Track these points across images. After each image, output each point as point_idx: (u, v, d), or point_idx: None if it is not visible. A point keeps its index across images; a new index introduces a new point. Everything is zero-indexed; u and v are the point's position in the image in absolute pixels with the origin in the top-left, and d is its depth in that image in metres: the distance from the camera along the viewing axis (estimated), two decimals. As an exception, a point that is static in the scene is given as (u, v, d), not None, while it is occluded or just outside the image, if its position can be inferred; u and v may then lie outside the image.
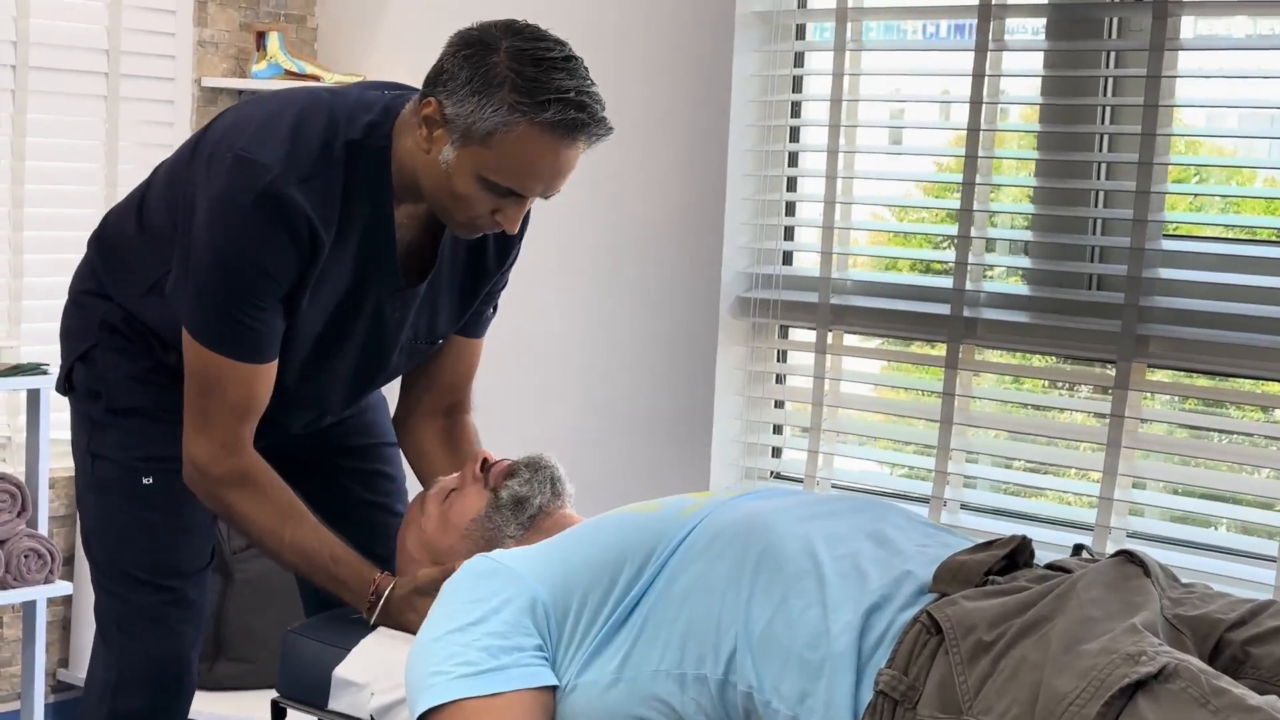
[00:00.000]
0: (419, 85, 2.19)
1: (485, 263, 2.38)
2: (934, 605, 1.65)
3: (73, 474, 3.83)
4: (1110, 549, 2.94)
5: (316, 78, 3.99)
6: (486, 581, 1.89)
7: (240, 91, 4.09)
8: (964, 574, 1.71)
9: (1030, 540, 1.79)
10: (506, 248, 2.38)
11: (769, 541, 1.81)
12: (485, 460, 2.28)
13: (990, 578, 1.71)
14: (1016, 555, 1.77)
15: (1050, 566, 1.75)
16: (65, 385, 2.42)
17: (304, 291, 2.17)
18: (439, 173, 2.12)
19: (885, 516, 1.94)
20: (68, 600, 3.88)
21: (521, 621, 1.84)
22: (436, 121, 2.09)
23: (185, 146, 2.31)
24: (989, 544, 1.79)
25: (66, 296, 2.46)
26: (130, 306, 2.33)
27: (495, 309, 2.52)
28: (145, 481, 2.33)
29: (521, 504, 2.20)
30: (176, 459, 2.26)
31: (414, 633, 1.95)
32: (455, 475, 2.31)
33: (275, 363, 2.20)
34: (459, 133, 2.07)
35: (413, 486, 2.55)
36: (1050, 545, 2.73)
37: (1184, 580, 1.77)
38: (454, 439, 2.51)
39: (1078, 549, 1.85)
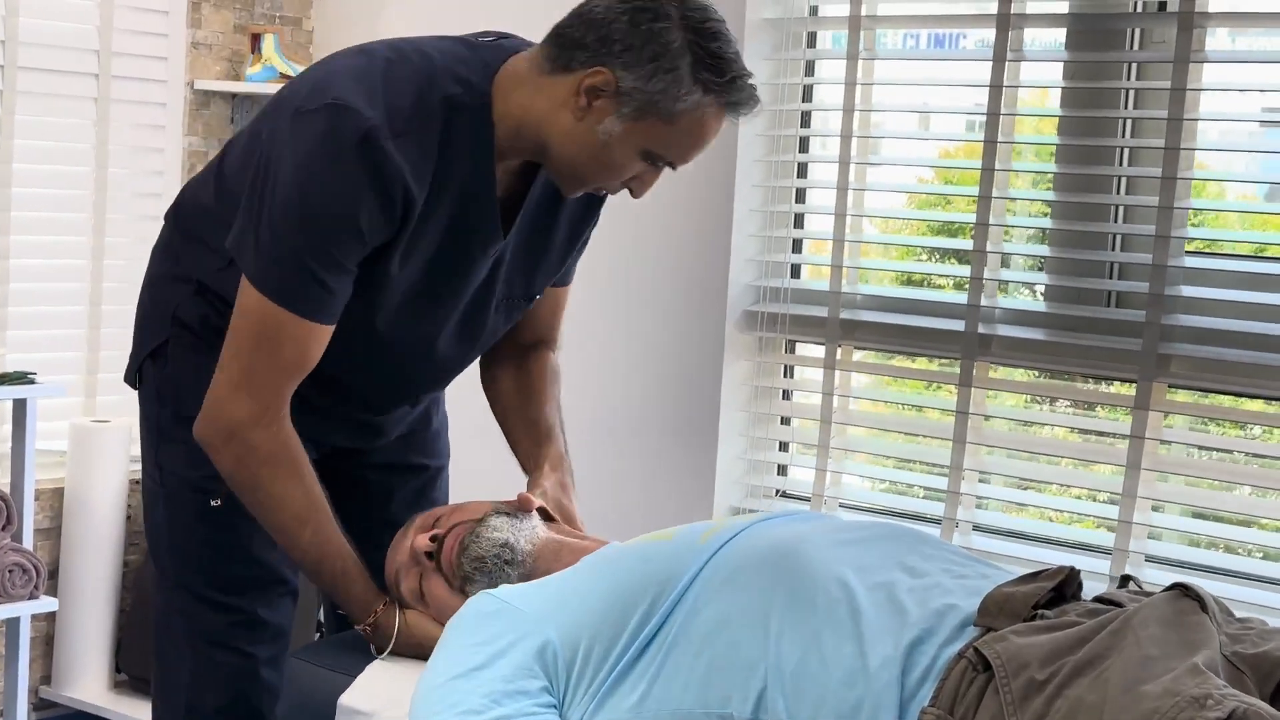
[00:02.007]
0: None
1: (578, 210, 2.29)
2: (981, 641, 1.57)
3: (57, 487, 3.80)
4: (1130, 572, 2.87)
5: (313, 82, 3.91)
6: (492, 623, 1.81)
7: (234, 95, 4.00)
8: (1011, 607, 1.63)
9: (1079, 572, 1.72)
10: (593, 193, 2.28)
11: (797, 571, 1.72)
12: (426, 549, 2.14)
13: (1039, 611, 1.63)
14: (1064, 587, 1.69)
15: (1099, 599, 1.67)
16: (135, 378, 2.29)
17: (393, 253, 2.06)
18: (592, 142, 2.02)
19: (916, 545, 1.85)
20: (51, 616, 3.78)
21: (529, 665, 1.76)
22: (604, 92, 1.99)
23: (262, 111, 2.18)
24: (1035, 575, 1.71)
25: (143, 280, 2.33)
26: (211, 282, 2.19)
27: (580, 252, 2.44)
28: (214, 504, 2.20)
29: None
30: None
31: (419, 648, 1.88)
32: (423, 531, 2.18)
33: (331, 329, 2.07)
34: (636, 106, 1.99)
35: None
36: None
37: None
38: (525, 384, 2.41)
39: (1124, 580, 1.78)
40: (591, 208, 2.32)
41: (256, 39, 3.95)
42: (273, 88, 3.92)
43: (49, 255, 3.80)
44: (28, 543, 3.43)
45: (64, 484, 3.81)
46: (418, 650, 2.09)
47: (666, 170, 2.12)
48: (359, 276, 2.06)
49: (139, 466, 3.85)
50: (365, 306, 2.11)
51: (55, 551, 3.80)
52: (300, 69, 3.92)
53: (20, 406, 3.40)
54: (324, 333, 2.05)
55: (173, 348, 2.22)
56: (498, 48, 2.13)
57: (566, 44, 2.03)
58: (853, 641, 1.64)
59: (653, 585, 1.79)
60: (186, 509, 2.23)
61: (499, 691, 1.72)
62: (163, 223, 2.33)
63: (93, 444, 3.78)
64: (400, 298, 2.13)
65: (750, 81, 2.03)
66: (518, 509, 2.16)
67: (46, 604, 3.44)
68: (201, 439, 2.10)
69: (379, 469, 2.44)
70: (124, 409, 3.94)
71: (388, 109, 1.99)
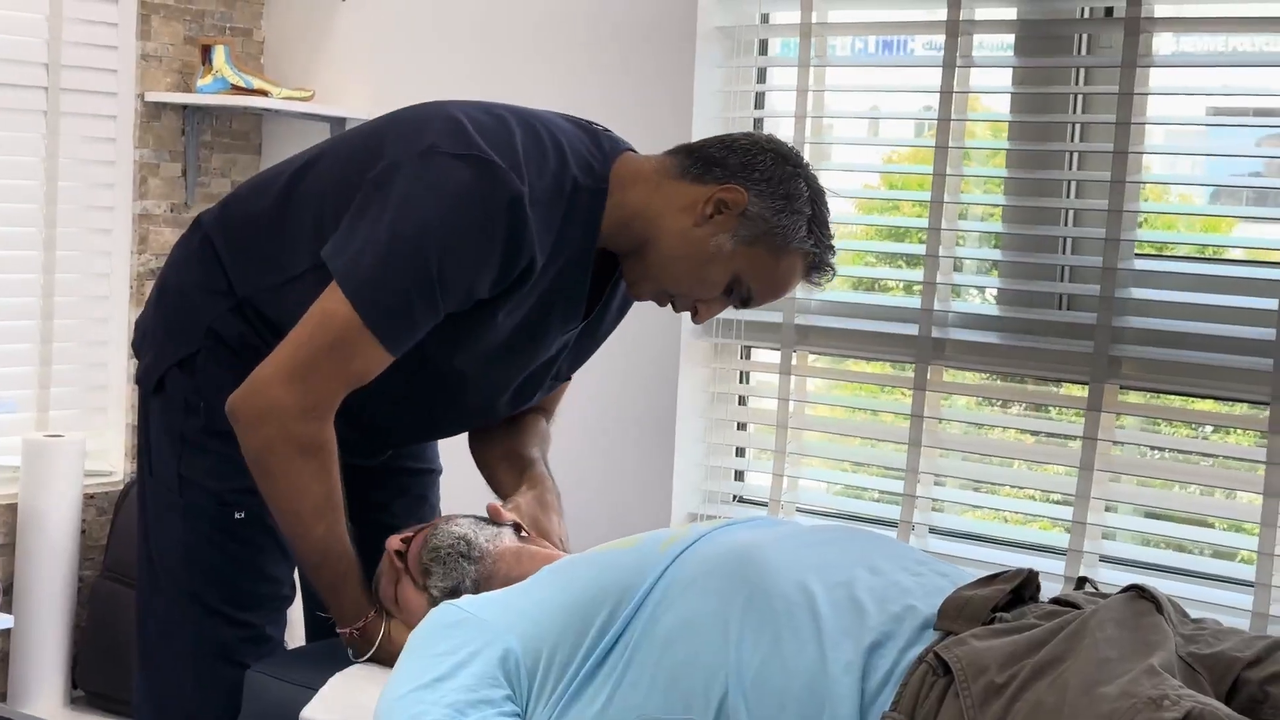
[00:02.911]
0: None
1: (621, 305, 2.38)
2: (942, 645, 1.58)
3: (10, 503, 3.77)
4: (1084, 573, 2.90)
5: (264, 92, 3.90)
6: (454, 633, 1.81)
7: (185, 106, 3.99)
8: (970, 610, 1.64)
9: (1037, 574, 1.73)
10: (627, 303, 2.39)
11: (758, 575, 1.73)
12: (399, 552, 2.17)
13: (997, 614, 1.65)
14: (1022, 589, 1.71)
15: (1057, 601, 1.69)
16: (155, 386, 2.26)
17: (503, 304, 2.11)
18: (700, 250, 2.12)
19: (874, 546, 1.87)
20: (6, 633, 3.75)
21: (492, 674, 1.76)
22: (731, 208, 2.11)
23: (361, 136, 2.19)
24: (993, 577, 1.72)
25: (160, 285, 2.30)
26: (258, 299, 2.19)
27: None
28: (238, 516, 2.21)
29: (455, 593, 2.10)
30: None
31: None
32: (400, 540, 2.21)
33: (396, 358, 2.09)
34: (753, 233, 2.11)
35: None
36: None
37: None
38: (509, 431, 2.43)
39: (1081, 581, 1.79)
40: (629, 303, 2.38)
41: (207, 50, 3.93)
42: (224, 99, 3.91)
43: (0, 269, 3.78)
44: (-18, 559, 3.41)
45: (17, 499, 3.78)
46: (395, 659, 2.09)
47: None
48: (463, 315, 2.10)
49: (93, 481, 3.89)
50: (455, 343, 2.14)
51: (9, 568, 3.77)
52: (252, 80, 3.91)
53: (-27, 422, 3.38)
54: (388, 361, 2.07)
55: (203, 360, 2.21)
56: (614, 139, 2.23)
57: (705, 159, 2.15)
58: (813, 645, 1.64)
59: (613, 593, 1.80)
60: (207, 521, 2.22)
61: (462, 701, 1.72)
62: (191, 229, 2.30)
63: (46, 459, 3.75)
64: (479, 355, 2.17)
65: (834, 255, 2.21)
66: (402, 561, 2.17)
67: (1, 620, 3.42)
68: (235, 413, 2.08)
69: (383, 473, 2.44)
70: (77, 423, 3.93)
71: (532, 180, 2.06)
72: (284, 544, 2.23)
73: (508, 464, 2.42)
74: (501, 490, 2.39)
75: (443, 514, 2.29)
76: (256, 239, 2.21)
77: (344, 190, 2.11)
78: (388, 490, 2.45)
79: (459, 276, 2.03)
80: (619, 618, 1.77)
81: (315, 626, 2.43)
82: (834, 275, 2.23)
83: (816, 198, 2.16)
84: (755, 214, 2.11)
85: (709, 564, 1.78)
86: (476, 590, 2.07)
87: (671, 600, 1.75)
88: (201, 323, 2.22)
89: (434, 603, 2.07)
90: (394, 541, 2.18)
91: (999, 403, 3.23)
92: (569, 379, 2.43)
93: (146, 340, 2.31)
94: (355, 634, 2.14)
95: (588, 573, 1.87)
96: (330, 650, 2.22)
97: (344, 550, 2.12)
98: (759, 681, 1.64)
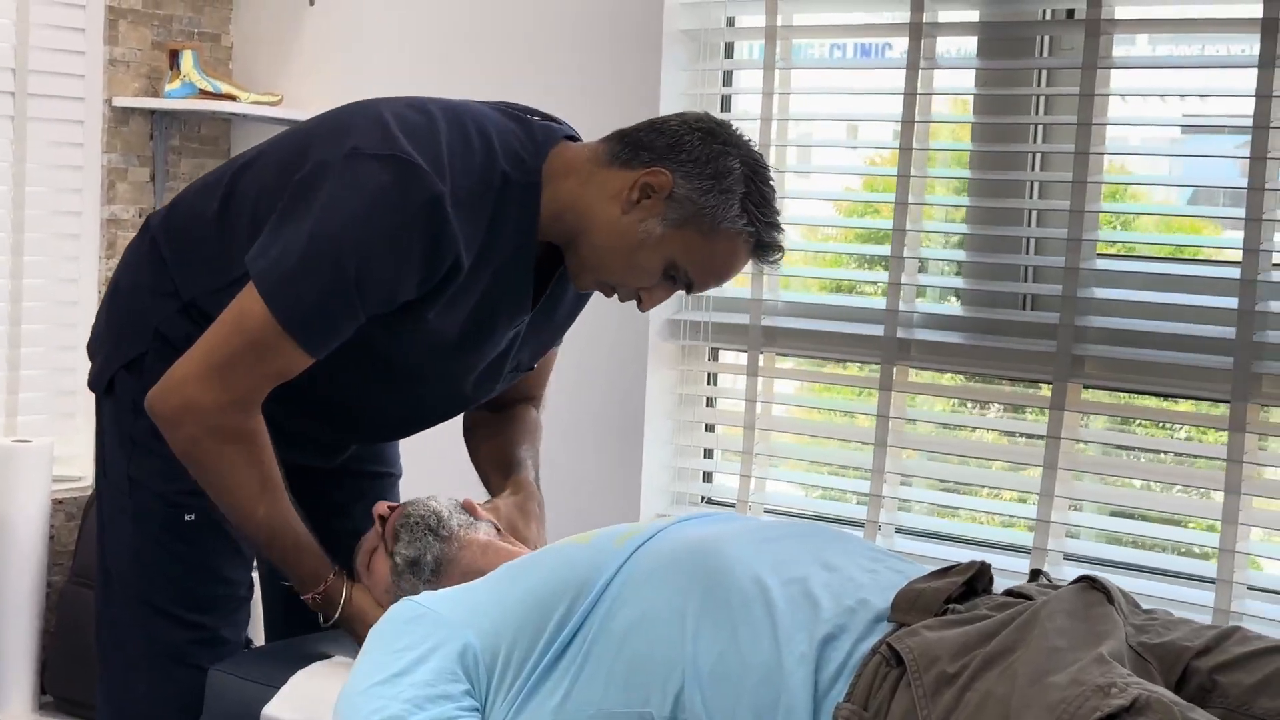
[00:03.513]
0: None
1: (580, 296, 2.35)
2: (894, 636, 1.60)
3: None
4: (1048, 571, 2.91)
5: (233, 96, 3.90)
6: (412, 628, 1.82)
7: (153, 111, 3.99)
8: (923, 602, 1.66)
9: (989, 566, 1.75)
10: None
11: (713, 570, 1.74)
12: (381, 516, 2.20)
13: (950, 606, 1.66)
14: (975, 582, 1.72)
15: (1009, 593, 1.71)
16: (106, 387, 2.26)
17: (432, 305, 2.08)
18: (629, 238, 2.08)
19: (831, 542, 1.88)
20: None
21: (451, 669, 1.78)
22: (657, 192, 2.06)
23: (295, 136, 2.18)
24: (946, 570, 1.74)
25: (111, 287, 2.30)
26: (203, 302, 2.17)
27: None
28: (187, 518, 2.20)
29: (415, 565, 2.12)
30: None
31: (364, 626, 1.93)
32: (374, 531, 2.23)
33: (317, 359, 2.07)
34: (682, 215, 2.06)
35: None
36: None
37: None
38: (501, 429, 2.43)
39: (1035, 574, 1.81)
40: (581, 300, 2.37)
41: (175, 55, 3.93)
42: (192, 104, 3.91)
43: (-33, 275, 3.78)
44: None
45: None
46: (358, 625, 2.11)
47: None
48: (394, 315, 2.07)
49: (62, 486, 3.88)
50: (394, 345, 2.12)
51: (-24, 574, 3.77)
52: (220, 85, 3.91)
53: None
54: (308, 361, 2.05)
55: (151, 360, 2.19)
56: (548, 128, 2.18)
57: (633, 143, 2.10)
58: (768, 638, 1.66)
59: (570, 588, 1.81)
60: (156, 523, 2.21)
61: (421, 696, 1.73)
62: (141, 232, 2.30)
63: (13, 464, 3.74)
64: (428, 350, 2.15)
65: (783, 234, 2.13)
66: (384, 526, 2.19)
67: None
68: (154, 410, 2.08)
69: (341, 475, 2.43)
70: (45, 429, 3.92)
71: (454, 178, 2.02)
72: (238, 544, 2.23)
73: (496, 466, 2.42)
74: (493, 494, 2.40)
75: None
76: (199, 242, 2.20)
77: (275, 192, 2.10)
78: (346, 493, 2.44)
79: (378, 279, 2.01)
80: (576, 612, 1.78)
81: (274, 625, 2.44)
82: (782, 255, 2.15)
83: (754, 175, 2.08)
84: (682, 195, 2.05)
85: (665, 559, 1.79)
86: (436, 568, 2.10)
87: (628, 595, 1.77)
88: (149, 324, 2.21)
89: (395, 570, 2.12)
90: (381, 506, 2.20)
91: (965, 403, 3.25)
92: (531, 369, 2.41)
93: (97, 342, 2.31)
94: (318, 599, 2.13)
95: (545, 568, 1.88)
96: (292, 649, 2.23)
97: (289, 524, 2.12)
98: (715, 674, 1.66)
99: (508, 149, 2.11)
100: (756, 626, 1.67)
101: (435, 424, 2.38)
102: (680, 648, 1.68)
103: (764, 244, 2.11)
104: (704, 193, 2.05)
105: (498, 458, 2.43)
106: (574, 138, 2.21)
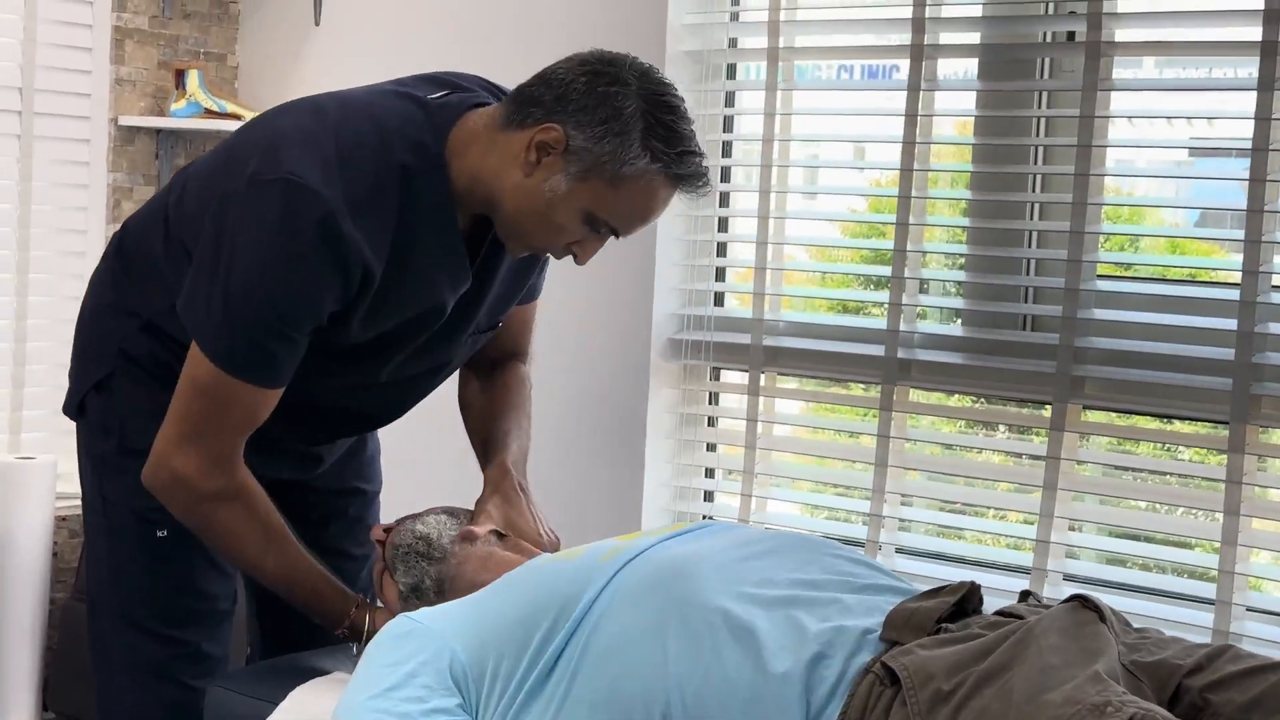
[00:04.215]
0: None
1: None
2: (888, 655, 1.61)
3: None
4: (1047, 592, 2.92)
5: (238, 116, 3.92)
6: (405, 643, 1.84)
7: (159, 131, 4.01)
8: (916, 621, 1.67)
9: (980, 586, 1.76)
10: None
11: (693, 590, 1.75)
12: (379, 541, 2.23)
13: (942, 625, 1.67)
14: (966, 602, 1.73)
15: (1000, 613, 1.71)
16: (76, 410, 2.28)
17: (352, 319, 2.09)
18: (536, 199, 2.04)
19: (817, 555, 1.89)
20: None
21: (442, 682, 1.79)
22: (553, 149, 2.02)
23: (215, 158, 2.18)
24: (937, 590, 1.75)
25: (81, 309, 2.33)
26: (160, 321, 2.19)
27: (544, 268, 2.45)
28: (160, 535, 2.21)
29: (418, 590, 2.15)
30: None
31: None
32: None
33: (281, 390, 2.09)
34: (583, 166, 2.01)
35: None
36: (989, 590, 2.70)
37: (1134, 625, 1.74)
38: (489, 397, 2.44)
39: (1024, 595, 1.82)
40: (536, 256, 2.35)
41: (180, 75, 3.96)
42: (198, 124, 3.93)
43: (-25, 295, 3.80)
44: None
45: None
46: None
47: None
48: (328, 328, 2.08)
49: (65, 503, 3.89)
50: (328, 355, 2.13)
51: (-18, 591, 3.78)
52: (225, 105, 3.93)
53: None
54: (274, 395, 2.08)
55: (118, 380, 2.22)
56: (446, 106, 2.14)
57: (524, 101, 2.06)
58: (752, 659, 1.66)
59: (554, 604, 1.82)
60: (130, 540, 2.23)
61: (415, 710, 1.74)
62: (104, 253, 2.32)
63: (17, 481, 3.75)
64: (373, 343, 2.15)
65: (700, 160, 2.05)
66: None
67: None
68: (150, 486, 2.12)
69: (319, 493, 2.45)
70: (49, 446, 3.93)
71: (345, 186, 2.00)
72: (215, 558, 2.24)
73: (481, 442, 2.43)
74: (482, 469, 2.40)
75: (430, 507, 2.30)
76: (146, 262, 2.22)
77: (197, 219, 2.11)
78: (323, 510, 2.45)
79: (299, 306, 2.02)
80: (560, 630, 1.79)
81: (261, 638, 2.43)
82: (705, 183, 2.07)
83: (653, 108, 2.01)
84: (579, 146, 2.00)
85: (645, 579, 1.80)
86: (440, 589, 2.12)
87: (611, 614, 1.77)
88: (113, 344, 2.23)
89: (402, 596, 2.14)
90: (376, 531, 2.23)
91: (967, 422, 3.26)
92: (496, 325, 2.38)
93: (71, 365, 2.33)
94: (345, 632, 2.17)
95: (532, 584, 1.89)
96: (290, 665, 2.24)
97: (304, 569, 2.15)
98: (700, 695, 1.66)
99: (405, 138, 2.08)
100: (741, 646, 1.68)
101: (410, 404, 2.36)
102: (662, 669, 1.69)
103: (680, 175, 2.04)
104: (598, 139, 1.99)
105: (482, 433, 2.43)
106: (484, 103, 2.16)
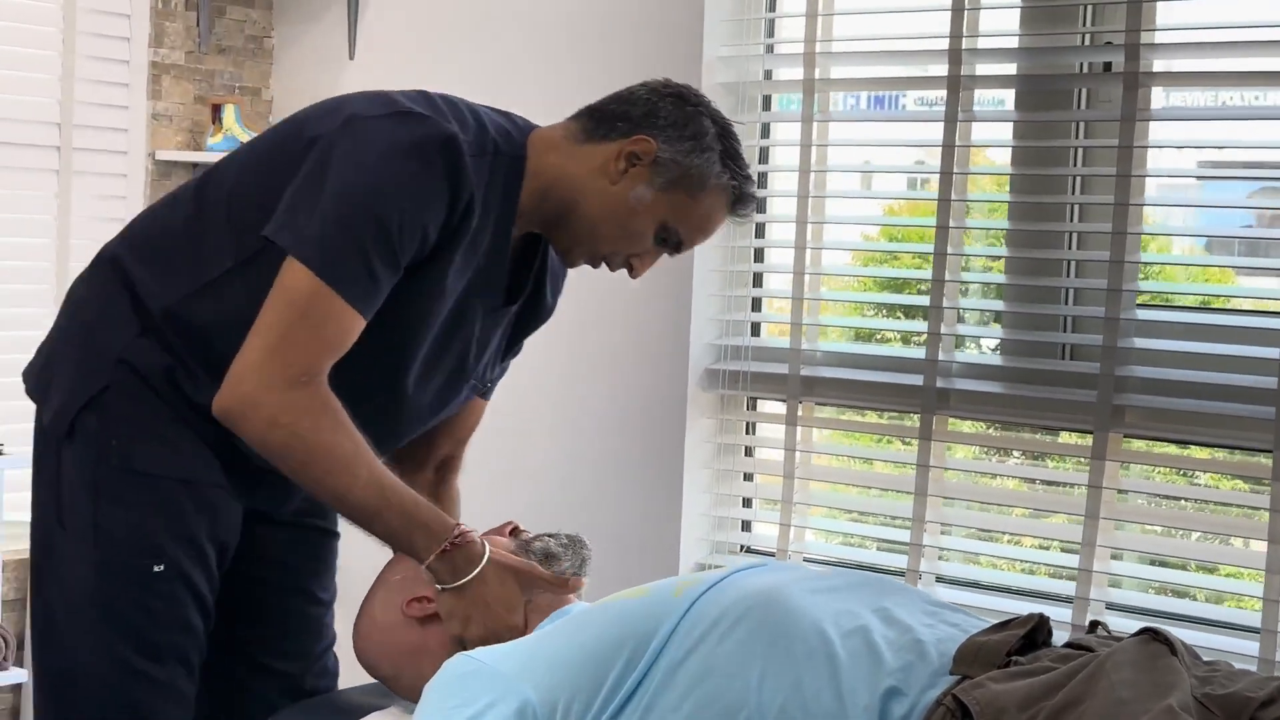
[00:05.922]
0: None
1: (541, 306, 2.36)
2: (960, 688, 1.62)
3: (24, 558, 3.77)
4: (1088, 620, 2.92)
5: (274, 150, 3.95)
6: (469, 683, 1.82)
7: (195, 165, 4.04)
8: (985, 655, 1.68)
9: (1048, 619, 1.76)
10: (555, 296, 2.39)
11: (778, 619, 1.76)
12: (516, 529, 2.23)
13: (1012, 658, 1.68)
14: (1035, 634, 1.74)
15: (1070, 645, 1.72)
16: (66, 431, 2.15)
17: (449, 260, 2.10)
18: (620, 205, 2.15)
19: (888, 593, 1.90)
20: (17, 688, 3.76)
21: None
22: (642, 159, 2.14)
23: (274, 136, 2.22)
24: (1006, 623, 1.76)
25: (56, 329, 2.24)
26: (179, 308, 2.12)
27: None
28: (156, 570, 2.11)
29: (550, 556, 2.15)
30: (197, 538, 2.12)
31: (486, 605, 2.02)
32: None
33: (362, 326, 2.06)
34: (668, 177, 2.14)
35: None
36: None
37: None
38: (440, 501, 2.38)
39: (1093, 626, 1.82)
40: (540, 316, 2.37)
41: (217, 109, 3.99)
42: (233, 157, 3.96)
43: (10, 327, 3.79)
44: (-4, 614, 3.43)
45: (29, 555, 3.79)
46: (500, 592, 2.08)
47: None
48: (414, 288, 2.09)
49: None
50: (409, 320, 2.13)
51: (21, 622, 3.78)
52: (261, 138, 3.96)
53: (-13, 477, 3.41)
54: (360, 324, 2.05)
55: (112, 396, 2.12)
56: (525, 119, 2.26)
57: (606, 117, 2.19)
58: (830, 689, 1.67)
59: (630, 640, 1.82)
60: (122, 574, 2.12)
61: None
62: (95, 265, 2.24)
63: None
64: (424, 329, 2.15)
65: (755, 187, 2.23)
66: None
67: (15, 675, 3.43)
68: (226, 409, 2.02)
69: (285, 528, 2.36)
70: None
71: (460, 128, 2.10)
72: (200, 592, 2.16)
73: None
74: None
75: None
76: (172, 248, 2.17)
77: (270, 177, 2.10)
78: (284, 547, 2.37)
79: (410, 221, 2.04)
80: (637, 665, 1.79)
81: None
82: (754, 208, 2.26)
83: (724, 133, 2.19)
84: (667, 159, 2.14)
85: (728, 608, 1.80)
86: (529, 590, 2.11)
87: (692, 645, 1.78)
88: (109, 356, 2.14)
89: (528, 549, 2.16)
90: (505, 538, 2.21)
91: (1006, 451, 3.27)
92: (486, 388, 2.39)
93: (49, 385, 2.21)
94: (450, 547, 2.06)
95: (602, 621, 1.89)
96: (342, 701, 2.23)
97: (394, 482, 2.07)
98: None
99: (495, 125, 2.18)
100: (820, 676, 1.69)
101: (408, 433, 2.31)
102: (745, 696, 1.70)
103: (745, 195, 2.21)
104: (687, 154, 2.14)
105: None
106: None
